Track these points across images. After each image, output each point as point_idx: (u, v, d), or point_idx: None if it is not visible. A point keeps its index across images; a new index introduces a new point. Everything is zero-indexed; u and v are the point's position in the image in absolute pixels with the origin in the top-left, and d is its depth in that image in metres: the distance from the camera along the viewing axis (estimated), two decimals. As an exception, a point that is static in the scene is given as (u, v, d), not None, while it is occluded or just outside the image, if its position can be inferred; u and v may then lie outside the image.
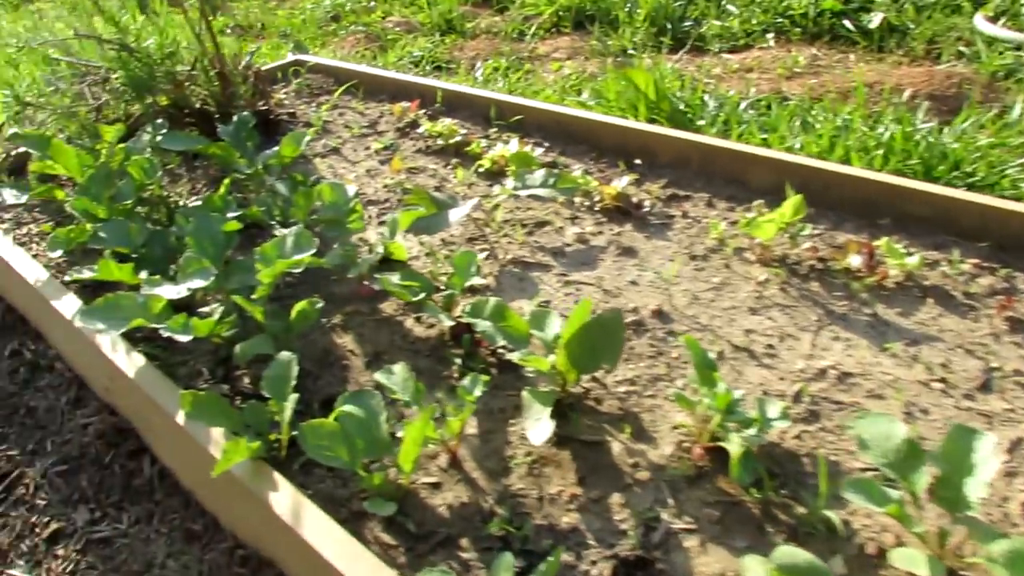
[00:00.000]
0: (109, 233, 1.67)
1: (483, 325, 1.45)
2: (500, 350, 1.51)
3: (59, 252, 1.73)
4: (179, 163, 2.11)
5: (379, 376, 1.32)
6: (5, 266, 1.83)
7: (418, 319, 1.66)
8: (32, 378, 1.76)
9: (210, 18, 2.09)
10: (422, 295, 1.53)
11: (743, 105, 2.78)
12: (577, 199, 2.08)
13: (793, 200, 1.69)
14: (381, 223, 2.05)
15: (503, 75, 3.63)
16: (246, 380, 1.51)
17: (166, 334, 1.34)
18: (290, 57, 3.28)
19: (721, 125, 2.71)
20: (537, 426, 1.25)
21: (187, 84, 2.20)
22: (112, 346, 1.48)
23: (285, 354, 1.32)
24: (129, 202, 1.80)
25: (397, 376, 1.32)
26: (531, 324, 1.45)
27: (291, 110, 2.76)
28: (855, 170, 1.90)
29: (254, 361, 1.50)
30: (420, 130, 2.49)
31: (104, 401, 1.64)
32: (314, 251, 1.44)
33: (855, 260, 1.67)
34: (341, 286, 1.78)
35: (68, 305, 1.63)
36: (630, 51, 3.91)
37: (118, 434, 1.56)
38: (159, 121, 2.14)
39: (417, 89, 2.77)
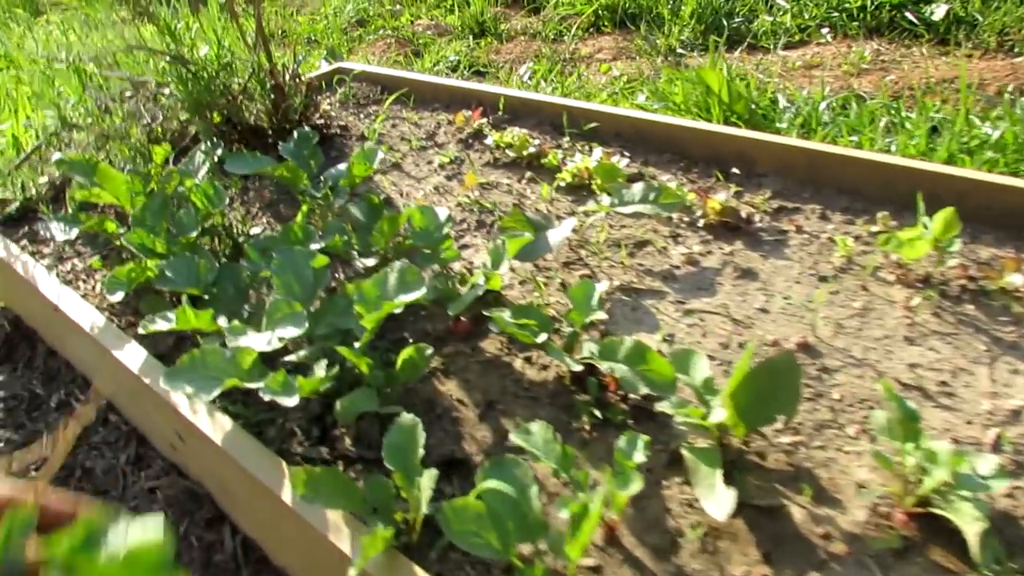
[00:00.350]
0: (175, 271, 1.49)
1: (620, 370, 1.26)
2: (632, 394, 1.32)
3: (119, 294, 1.54)
4: (238, 187, 1.93)
5: (516, 438, 1.13)
6: (51, 308, 1.64)
7: (528, 360, 1.47)
8: (84, 433, 1.58)
9: (264, 25, 1.91)
10: (543, 336, 1.34)
11: (822, 105, 2.59)
12: (675, 214, 1.89)
13: (944, 214, 1.51)
14: (462, 247, 1.86)
15: (548, 78, 3.45)
16: (346, 440, 1.32)
17: (267, 397, 1.15)
18: (326, 66, 3.10)
19: (799, 128, 2.53)
20: (714, 497, 1.06)
21: (241, 99, 2.01)
22: (188, 403, 1.30)
23: (408, 418, 1.14)
24: (193, 235, 1.62)
25: (537, 437, 1.13)
26: (675, 366, 1.26)
27: (341, 123, 2.58)
28: (995, 177, 1.71)
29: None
30: (487, 141, 2.30)
31: (171, 460, 1.46)
32: (423, 290, 1.25)
33: (1016, 279, 1.48)
34: (433, 322, 1.59)
35: (131, 355, 1.45)
36: (679, 50, 3.73)
37: (192, 500, 1.39)
38: (214, 140, 1.96)
39: (475, 96, 2.59)
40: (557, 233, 1.63)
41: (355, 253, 1.66)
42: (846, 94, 2.77)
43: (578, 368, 1.31)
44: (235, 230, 1.79)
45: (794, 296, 1.57)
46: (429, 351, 1.31)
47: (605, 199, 1.80)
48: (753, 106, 2.61)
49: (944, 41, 3.45)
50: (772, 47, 3.65)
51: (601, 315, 1.40)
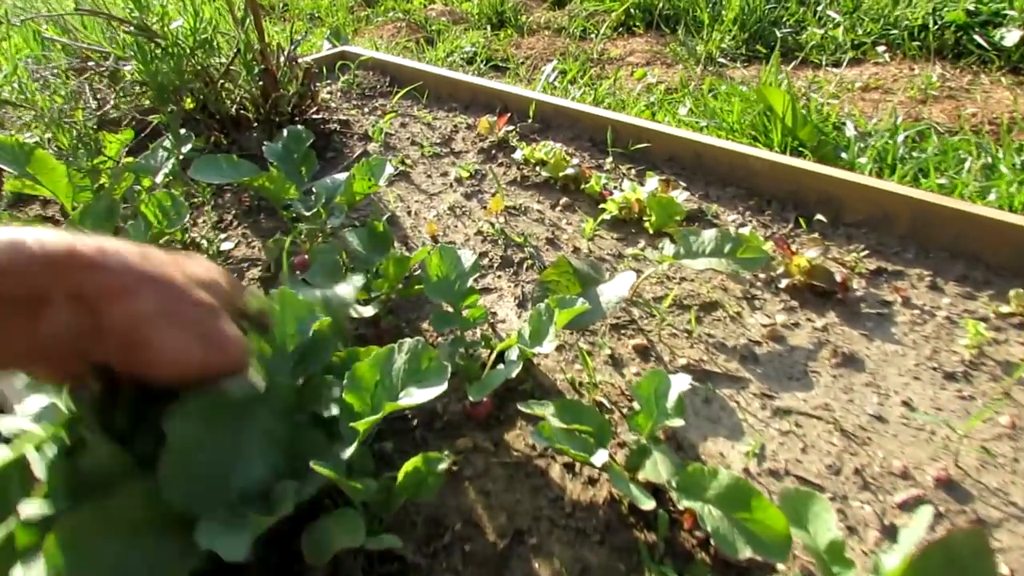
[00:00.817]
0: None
1: (712, 518, 0.89)
2: (724, 552, 0.95)
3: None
4: (208, 196, 1.53)
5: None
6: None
7: (570, 469, 1.10)
8: None
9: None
10: (602, 456, 0.97)
11: (900, 138, 2.23)
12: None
13: None
14: (483, 290, 1.49)
15: (577, 81, 3.07)
16: (321, 579, 0.94)
17: (203, 544, 0.77)
18: (328, 47, 2.71)
19: (873, 163, 2.16)
20: None
21: (221, 82, 1.62)
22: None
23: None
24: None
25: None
26: (789, 516, 0.89)
27: (342, 117, 2.19)
28: None
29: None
30: (515, 155, 1.92)
31: None
32: (444, 386, 0.87)
33: None
34: (449, 406, 1.22)
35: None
36: (719, 59, 3.36)
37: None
38: (182, 132, 1.57)
39: (500, 98, 2.21)
40: (612, 291, 1.26)
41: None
42: (922, 126, 2.41)
43: (649, 505, 0.94)
44: (203, 244, 1.39)
45: (916, 399, 1.21)
46: (442, 465, 0.94)
47: (668, 248, 1.43)
48: (821, 135, 2.24)
49: (1016, 70, 3.10)
50: (822, 63, 3.28)
51: (678, 422, 1.03)
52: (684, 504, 0.94)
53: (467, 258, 1.22)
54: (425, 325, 1.40)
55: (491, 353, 1.19)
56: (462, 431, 1.16)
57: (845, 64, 3.28)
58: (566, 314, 1.08)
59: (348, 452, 0.88)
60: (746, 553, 0.87)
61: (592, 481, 1.08)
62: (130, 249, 0.65)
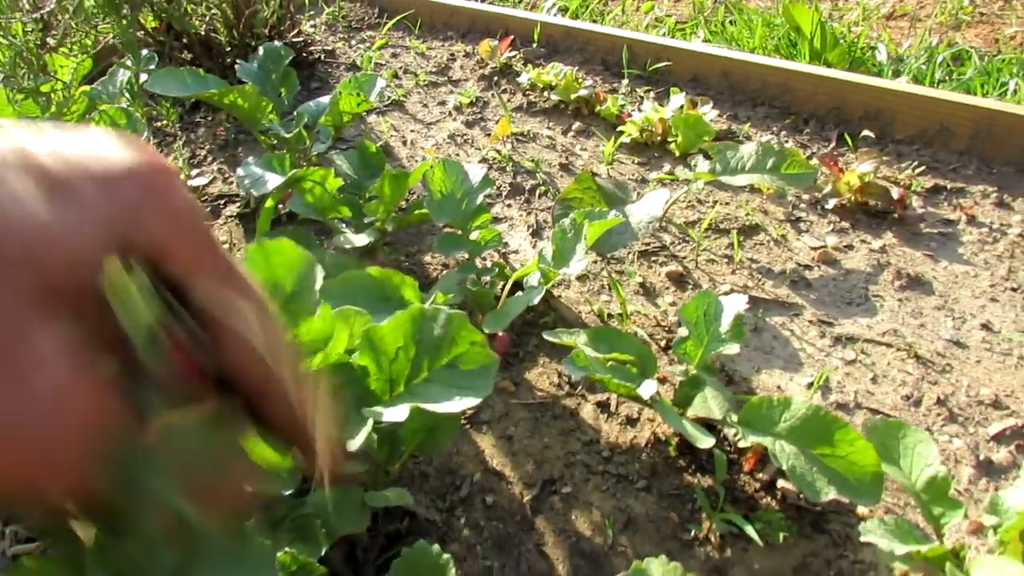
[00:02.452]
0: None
1: (785, 455, 0.73)
2: (803, 495, 0.79)
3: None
4: (174, 118, 1.35)
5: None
6: None
7: (603, 407, 0.94)
8: None
9: None
10: (649, 387, 0.80)
11: (939, 59, 2.04)
12: (790, 192, 1.35)
13: None
14: (493, 220, 1.31)
15: (580, 14, 2.86)
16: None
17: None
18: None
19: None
20: None
21: (187, -2, 1.43)
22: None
23: (425, 550, 0.60)
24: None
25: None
26: (879, 451, 0.73)
27: (327, 47, 2.00)
28: None
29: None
30: (520, 79, 1.73)
31: None
32: (489, 390, 0.65)
33: None
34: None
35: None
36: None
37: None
38: (144, 52, 1.38)
39: (501, 23, 2.01)
40: (644, 210, 1.08)
41: (342, 225, 1.11)
42: (959, 47, 2.22)
43: (708, 443, 0.77)
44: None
45: (996, 323, 1.04)
46: (461, 406, 0.76)
47: (703, 164, 1.25)
48: (852, 58, 2.06)
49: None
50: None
51: (734, 348, 0.86)
52: (749, 440, 0.77)
53: (475, 172, 1.04)
54: (428, 259, 1.23)
55: (505, 283, 1.01)
56: (476, 370, 1.00)
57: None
58: (597, 227, 0.91)
59: (358, 439, 0.67)
60: (829, 495, 0.71)
61: (631, 421, 0.92)
62: None
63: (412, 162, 1.50)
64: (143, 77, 1.25)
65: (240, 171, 0.99)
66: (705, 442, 0.77)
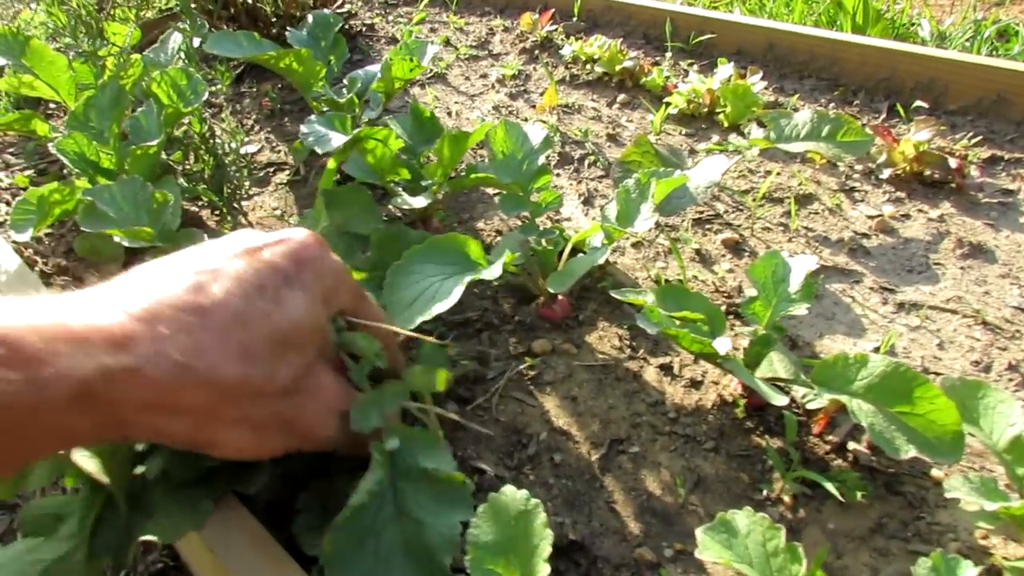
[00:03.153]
0: (110, 202, 0.93)
1: (863, 413, 0.73)
2: (885, 454, 0.79)
3: (27, 232, 0.99)
4: (228, 81, 1.35)
5: (707, 536, 0.60)
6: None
7: (666, 370, 0.94)
8: None
9: None
10: (725, 344, 0.79)
11: (985, 34, 2.01)
12: (842, 161, 1.34)
13: None
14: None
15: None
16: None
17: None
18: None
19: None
20: None
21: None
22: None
23: (513, 495, 0.61)
24: (155, 144, 1.06)
25: (743, 536, 0.60)
26: (959, 410, 0.72)
27: (366, 22, 1.99)
28: None
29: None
30: (563, 52, 1.72)
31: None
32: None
33: None
34: (513, 298, 1.05)
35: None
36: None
37: None
38: (198, 20, 1.38)
39: (540, -3, 2.00)
40: (702, 175, 1.08)
41: (398, 188, 1.10)
42: (1005, 23, 2.19)
43: (782, 401, 0.77)
44: (220, 147, 1.22)
45: (1063, 291, 1.03)
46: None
47: (756, 131, 1.24)
48: (895, 33, 2.03)
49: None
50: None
51: (802, 309, 0.85)
52: (825, 399, 0.77)
53: (536, 134, 1.04)
54: (480, 224, 1.23)
55: (564, 246, 1.01)
56: (536, 333, 1.00)
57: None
58: (664, 185, 0.90)
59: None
60: (909, 452, 0.70)
61: (695, 384, 0.92)
62: (195, 321, 0.50)
63: (458, 132, 1.50)
64: (196, 42, 1.25)
65: (304, 128, 0.99)
66: (780, 399, 0.77)
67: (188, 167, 1.23)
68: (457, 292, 0.80)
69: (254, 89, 1.65)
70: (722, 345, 0.78)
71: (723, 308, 1.03)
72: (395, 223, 1.06)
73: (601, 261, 0.92)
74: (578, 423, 0.87)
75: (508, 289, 1.06)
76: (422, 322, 0.77)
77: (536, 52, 1.81)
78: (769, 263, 0.88)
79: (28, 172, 1.42)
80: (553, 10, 1.87)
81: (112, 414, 0.47)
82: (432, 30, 2.00)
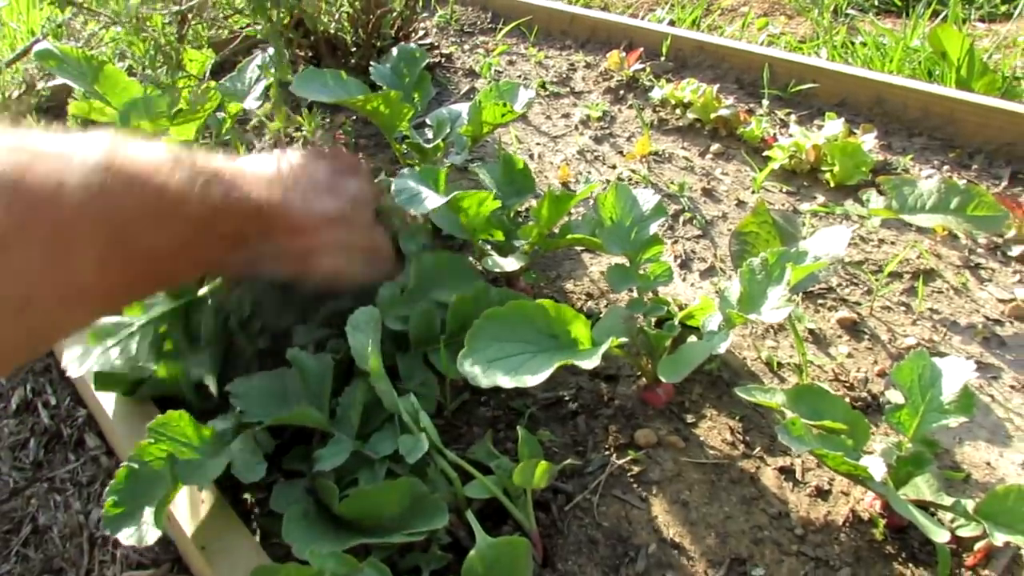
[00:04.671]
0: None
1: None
2: None
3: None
4: (315, 126, 1.29)
5: None
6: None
7: (787, 474, 0.83)
8: (49, 459, 0.99)
9: None
10: (878, 466, 0.69)
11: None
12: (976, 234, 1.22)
13: None
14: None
15: (695, 29, 2.75)
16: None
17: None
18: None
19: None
20: None
21: (319, -5, 1.37)
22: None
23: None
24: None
25: None
26: None
27: (443, 51, 1.93)
28: None
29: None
30: (653, 95, 1.63)
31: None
32: None
33: None
34: (612, 382, 0.96)
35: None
36: (847, 10, 3.00)
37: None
38: (271, 52, 1.33)
39: (624, 33, 1.92)
40: (824, 248, 0.97)
41: (489, 248, 1.02)
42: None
43: (944, 537, 0.66)
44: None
45: None
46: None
47: (877, 200, 1.13)
48: (1002, 88, 1.90)
49: None
50: (969, 17, 2.89)
51: (955, 422, 0.75)
52: (998, 540, 0.66)
53: (647, 199, 0.95)
54: (569, 286, 1.14)
55: (677, 331, 0.91)
56: (637, 420, 0.90)
57: (992, 19, 2.89)
58: (800, 271, 0.80)
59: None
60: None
61: (822, 493, 0.81)
62: (304, 182, 0.79)
63: (541, 177, 1.42)
64: (279, 73, 1.19)
65: (395, 184, 0.91)
66: (941, 536, 0.66)
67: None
68: (545, 374, 0.72)
69: (328, 120, 1.59)
70: (877, 470, 0.68)
71: (846, 399, 0.92)
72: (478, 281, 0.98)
73: (721, 351, 0.82)
74: (691, 534, 0.77)
75: (615, 379, 0.97)
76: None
77: (621, 92, 1.73)
78: (915, 365, 0.78)
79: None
80: (641, 49, 1.79)
81: (265, 234, 0.72)
82: (510, 62, 1.93)
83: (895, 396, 0.81)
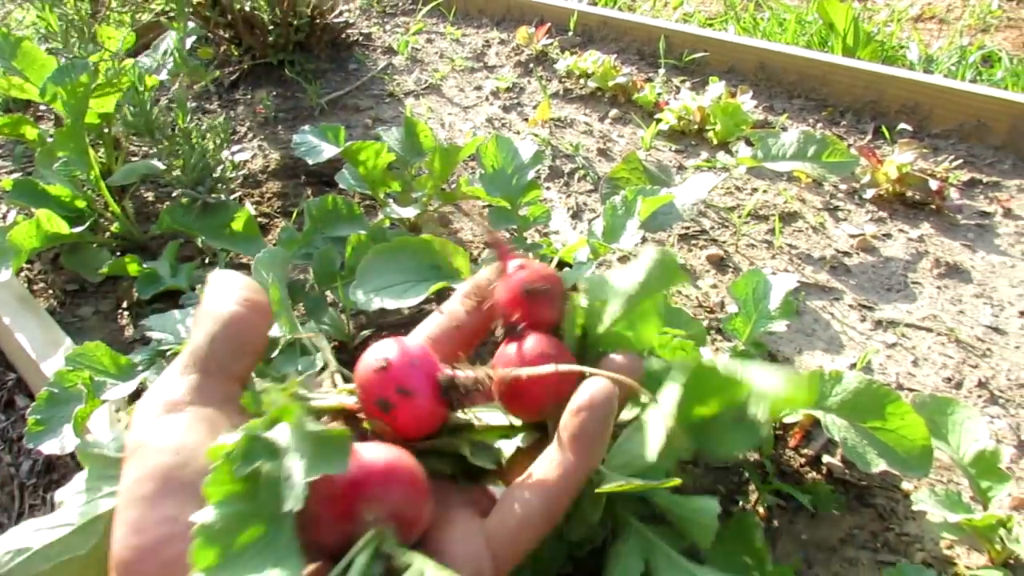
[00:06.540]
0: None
1: (837, 427, 0.75)
2: (857, 468, 0.81)
3: (5, 272, 1.00)
4: (208, 81, 1.36)
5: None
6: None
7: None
8: None
9: None
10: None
11: (971, 59, 2.05)
12: (829, 179, 1.36)
13: None
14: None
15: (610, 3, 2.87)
16: None
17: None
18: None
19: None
20: None
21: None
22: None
23: None
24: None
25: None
26: (928, 426, 0.74)
27: (364, 30, 2.02)
28: None
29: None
30: (557, 67, 1.75)
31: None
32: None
33: None
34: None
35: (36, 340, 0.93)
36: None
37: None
38: (191, 25, 1.40)
39: (535, 11, 2.03)
40: (689, 193, 1.09)
41: (388, 199, 1.12)
42: (989, 49, 2.23)
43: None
44: (210, 154, 1.23)
45: (1037, 312, 1.05)
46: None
47: (744, 150, 1.26)
48: (884, 55, 2.07)
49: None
50: (871, -5, 3.07)
51: (781, 326, 0.88)
52: (800, 413, 0.79)
53: (526, 149, 1.06)
54: (469, 236, 1.25)
55: (552, 260, 1.03)
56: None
57: (893, -6, 3.08)
58: (651, 203, 0.92)
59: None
60: (879, 466, 0.72)
61: (676, 396, 0.93)
62: None
63: (451, 144, 1.52)
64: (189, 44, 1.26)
65: (296, 138, 1.00)
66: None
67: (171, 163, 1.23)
68: (422, 296, 0.83)
69: (249, 96, 1.67)
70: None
71: (705, 323, 1.05)
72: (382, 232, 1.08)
73: (586, 276, 0.93)
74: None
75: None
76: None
77: (531, 66, 1.84)
78: (750, 280, 0.90)
79: (13, 176, 1.43)
80: (549, 24, 1.90)
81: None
82: (429, 40, 2.03)
83: (734, 309, 0.93)
